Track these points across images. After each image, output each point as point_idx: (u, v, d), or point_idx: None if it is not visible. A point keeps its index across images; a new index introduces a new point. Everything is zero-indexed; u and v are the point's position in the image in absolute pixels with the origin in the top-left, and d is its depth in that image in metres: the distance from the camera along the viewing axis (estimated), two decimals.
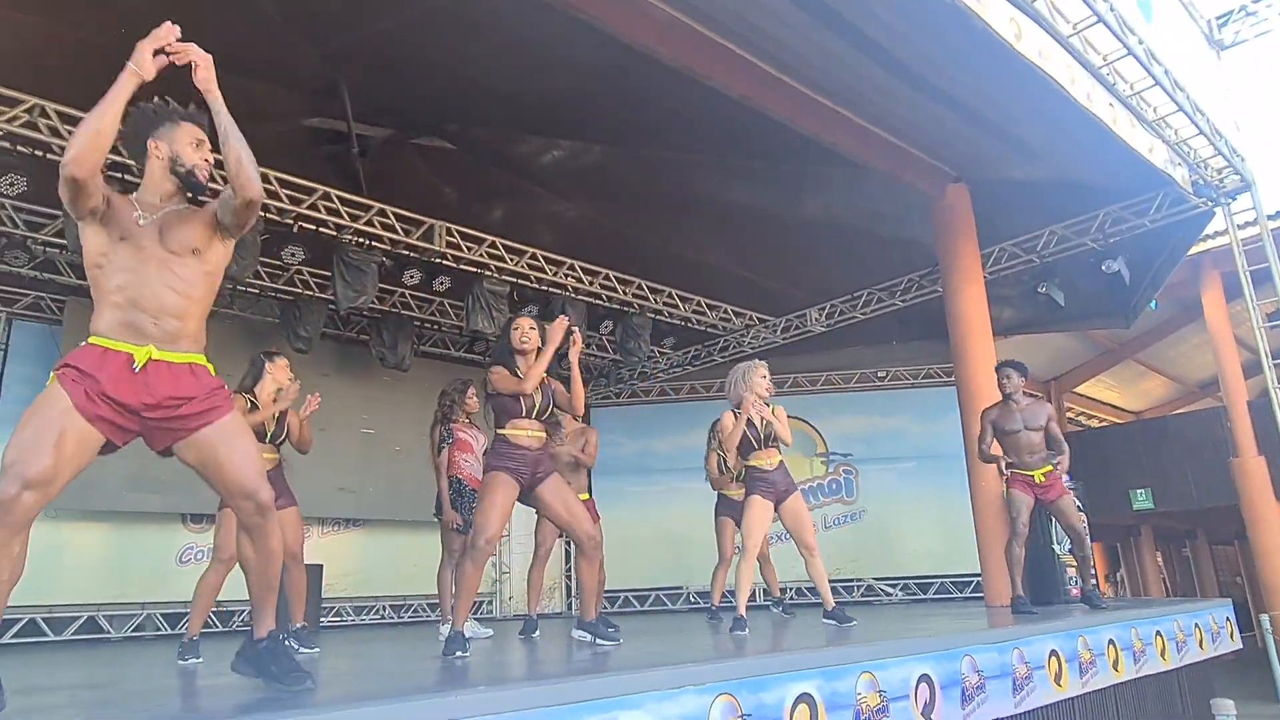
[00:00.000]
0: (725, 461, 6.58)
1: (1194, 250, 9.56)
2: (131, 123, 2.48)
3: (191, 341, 2.43)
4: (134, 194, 2.49)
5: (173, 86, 2.50)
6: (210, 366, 2.48)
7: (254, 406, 4.72)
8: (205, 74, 2.43)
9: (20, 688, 3.12)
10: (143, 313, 2.32)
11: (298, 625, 4.79)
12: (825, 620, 4.95)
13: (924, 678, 3.39)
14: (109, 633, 7.94)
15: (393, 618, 9.63)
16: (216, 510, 4.39)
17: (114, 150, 2.39)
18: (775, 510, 4.94)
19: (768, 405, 4.96)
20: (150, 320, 2.33)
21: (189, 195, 2.56)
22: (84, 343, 2.31)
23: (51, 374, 2.27)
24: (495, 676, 3.00)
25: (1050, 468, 5.74)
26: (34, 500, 2.12)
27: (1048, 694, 4.14)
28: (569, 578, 11.38)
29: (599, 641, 3.94)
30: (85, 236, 2.37)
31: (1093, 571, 6.37)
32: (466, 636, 3.83)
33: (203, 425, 2.35)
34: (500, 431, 3.89)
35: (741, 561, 4.92)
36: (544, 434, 3.96)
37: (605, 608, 10.25)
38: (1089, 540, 6.25)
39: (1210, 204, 7.40)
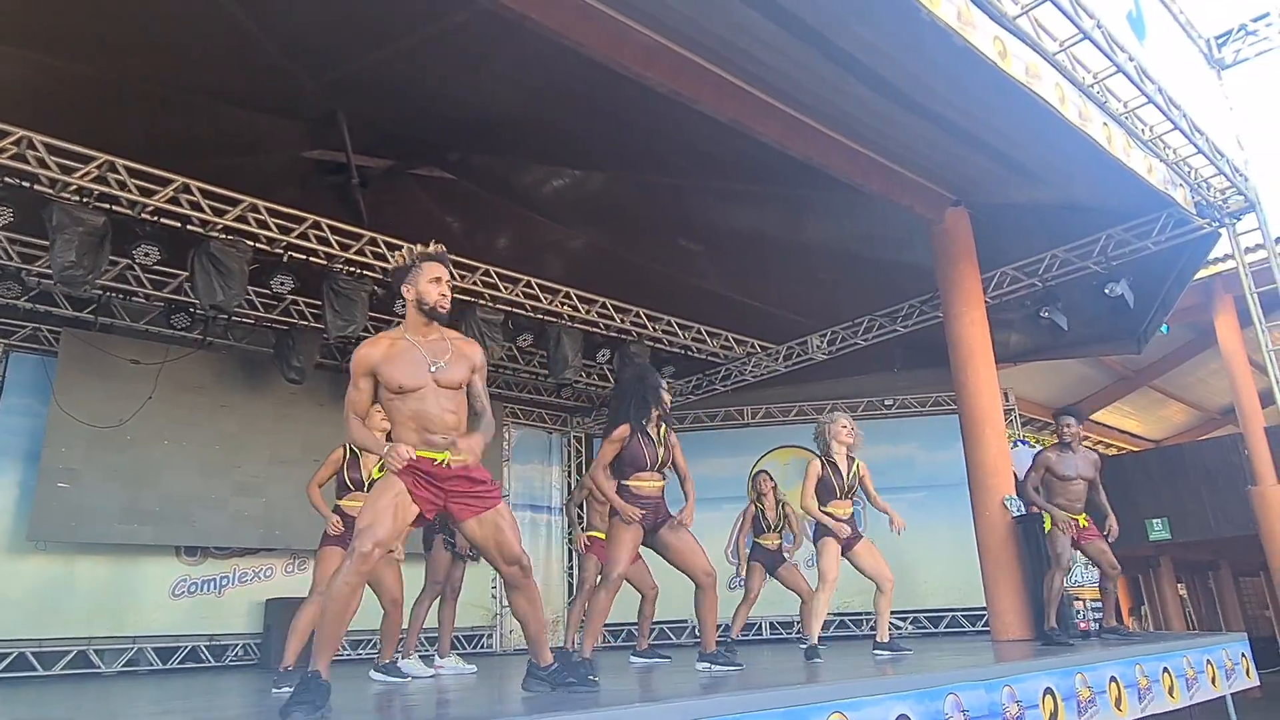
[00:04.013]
0: (764, 515, 6.88)
1: (1205, 274, 9.36)
2: (395, 279, 3.22)
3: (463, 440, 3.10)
4: (403, 328, 3.20)
5: None
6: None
7: (354, 455, 5.07)
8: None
9: None
10: (432, 432, 3.04)
11: (385, 662, 5.29)
12: (876, 651, 5.45)
13: (902, 718, 3.22)
14: (100, 667, 7.83)
15: None
16: (317, 549, 5.01)
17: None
18: (843, 554, 5.37)
19: (852, 459, 5.60)
20: (440, 437, 3.04)
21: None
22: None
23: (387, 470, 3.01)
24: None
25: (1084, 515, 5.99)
26: (380, 554, 2.90)
27: None
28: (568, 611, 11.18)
29: (724, 669, 4.42)
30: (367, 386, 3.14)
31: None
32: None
33: (490, 507, 3.08)
34: (624, 482, 4.32)
35: (821, 593, 5.37)
36: (664, 483, 4.39)
37: (607, 641, 10.08)
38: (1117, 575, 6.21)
39: (1214, 225, 7.23)
